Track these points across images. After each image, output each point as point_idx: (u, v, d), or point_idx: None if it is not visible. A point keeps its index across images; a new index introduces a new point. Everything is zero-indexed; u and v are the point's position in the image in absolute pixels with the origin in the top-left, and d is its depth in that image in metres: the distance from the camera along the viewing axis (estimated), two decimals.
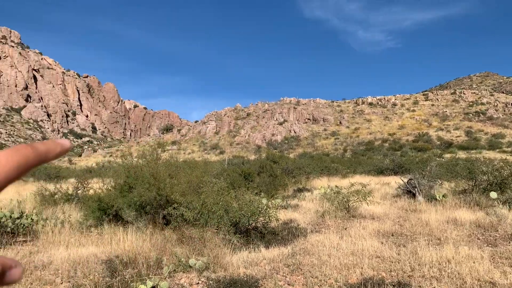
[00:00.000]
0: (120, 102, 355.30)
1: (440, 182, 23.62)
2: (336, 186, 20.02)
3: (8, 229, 12.66)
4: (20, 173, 0.61)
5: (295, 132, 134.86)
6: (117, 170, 19.53)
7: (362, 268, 9.27)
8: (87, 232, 13.29)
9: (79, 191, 19.15)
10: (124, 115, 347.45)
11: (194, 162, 30.05)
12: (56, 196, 18.61)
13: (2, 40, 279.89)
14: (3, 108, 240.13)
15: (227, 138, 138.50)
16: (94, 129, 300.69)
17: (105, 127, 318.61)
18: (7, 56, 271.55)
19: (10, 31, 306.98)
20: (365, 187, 18.08)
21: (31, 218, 13.64)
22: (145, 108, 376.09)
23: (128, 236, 11.50)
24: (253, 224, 13.02)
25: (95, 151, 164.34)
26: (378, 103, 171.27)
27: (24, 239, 12.20)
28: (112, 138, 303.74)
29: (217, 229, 12.32)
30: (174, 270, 9.12)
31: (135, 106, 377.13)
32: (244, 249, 11.65)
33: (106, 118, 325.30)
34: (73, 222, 14.31)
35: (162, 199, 14.27)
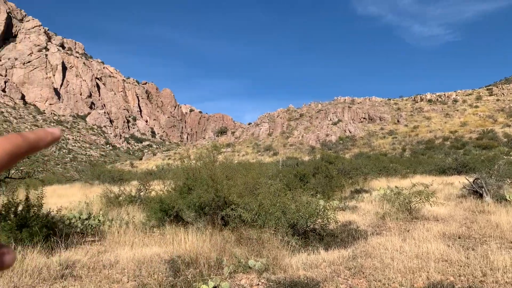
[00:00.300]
0: (176, 106, 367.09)
1: (510, 181, 22.09)
2: (396, 187, 19.31)
3: (78, 230, 13.43)
4: (11, 161, 0.61)
5: (350, 132, 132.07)
6: (176, 172, 20.16)
7: (428, 272, 8.85)
8: (150, 233, 13.78)
9: (141, 193, 19.93)
10: (180, 119, 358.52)
11: (249, 163, 30.32)
12: (120, 198, 19.48)
13: (68, 52, 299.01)
14: (70, 116, 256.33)
15: (280, 140, 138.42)
16: (153, 133, 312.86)
17: (163, 131, 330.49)
18: (72, 67, 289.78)
19: (75, 43, 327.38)
20: (427, 187, 17.28)
21: (98, 219, 14.37)
22: (200, 112, 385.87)
23: (189, 236, 11.77)
24: (311, 226, 12.86)
25: (154, 154, 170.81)
26: (437, 99, 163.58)
27: (93, 239, 12.88)
28: (170, 142, 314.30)
29: (275, 231, 12.30)
30: (234, 270, 9.21)
31: (191, 110, 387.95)
32: (303, 251, 11.52)
33: (164, 122, 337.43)
34: (137, 223, 14.90)
35: (220, 200, 14.49)
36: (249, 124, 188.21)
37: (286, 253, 10.96)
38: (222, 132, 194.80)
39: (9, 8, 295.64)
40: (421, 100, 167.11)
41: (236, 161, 29.50)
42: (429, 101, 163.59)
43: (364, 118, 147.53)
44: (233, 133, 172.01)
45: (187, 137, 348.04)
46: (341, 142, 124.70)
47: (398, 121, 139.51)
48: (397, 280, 8.36)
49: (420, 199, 16.51)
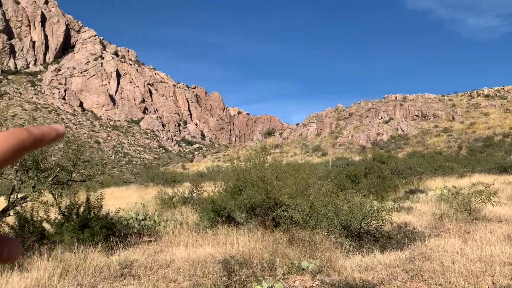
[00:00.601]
0: (225, 109, 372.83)
1: None
2: (454, 187, 18.40)
3: (135, 230, 13.94)
4: (16, 155, 0.63)
5: (402, 131, 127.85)
6: (226, 173, 20.43)
7: (493, 276, 8.34)
8: (203, 233, 14.03)
9: (194, 194, 20.38)
10: (229, 122, 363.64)
11: (298, 164, 30.11)
12: (174, 199, 20.02)
13: (122, 59, 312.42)
14: (125, 121, 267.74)
15: (329, 140, 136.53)
16: (203, 136, 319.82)
17: (213, 134, 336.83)
18: (126, 74, 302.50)
19: (128, 51, 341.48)
20: (488, 187, 16.32)
21: (154, 220, 14.84)
22: (248, 114, 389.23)
23: (241, 237, 11.86)
24: (365, 228, 12.53)
25: (204, 156, 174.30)
26: (496, 94, 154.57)
27: (149, 239, 13.31)
28: (219, 144, 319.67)
29: (327, 232, 12.12)
30: (288, 272, 9.15)
31: (239, 113, 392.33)
32: (357, 253, 11.26)
33: (213, 125, 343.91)
34: (190, 223, 15.23)
35: (271, 201, 14.49)
36: (296, 124, 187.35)
37: (340, 255, 10.76)
38: (269, 133, 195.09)
39: (67, 20, 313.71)
40: (478, 95, 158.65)
41: (284, 162, 29.44)
42: (487, 96, 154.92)
43: (416, 115, 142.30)
44: (281, 134, 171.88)
45: (235, 139, 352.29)
46: (393, 141, 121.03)
47: (453, 118, 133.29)
48: (459, 284, 7.95)
49: (481, 199, 15.62)
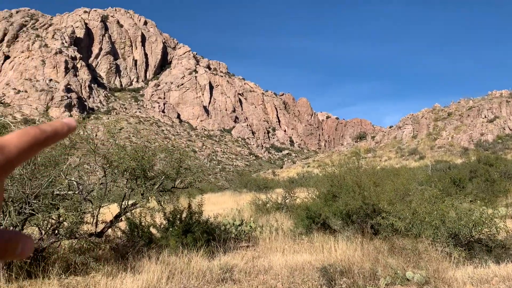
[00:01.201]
0: (313, 115, 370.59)
1: None
2: None
3: (233, 235, 14.31)
4: (31, 152, 0.65)
5: (510, 130, 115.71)
6: (318, 179, 20.14)
7: None
8: (299, 240, 13.95)
9: (287, 200, 20.42)
10: (317, 127, 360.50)
11: (395, 169, 28.69)
12: (268, 205, 20.24)
13: (214, 72, 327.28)
14: (218, 130, 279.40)
15: (427, 142, 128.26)
16: (291, 142, 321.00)
17: (301, 140, 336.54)
18: (218, 85, 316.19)
19: (219, 63, 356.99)
20: None
21: (250, 226, 15.11)
22: (337, 118, 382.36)
23: (339, 245, 11.56)
24: (476, 236, 11.45)
25: (294, 162, 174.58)
26: None
27: (246, 245, 13.57)
28: (308, 150, 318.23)
29: (432, 241, 11.29)
30: (391, 282, 8.68)
31: (327, 117, 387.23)
32: (468, 263, 10.33)
33: (301, 131, 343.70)
34: (285, 229, 15.24)
35: (368, 208, 13.93)
36: (390, 127, 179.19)
37: (448, 265, 9.95)
38: (361, 137, 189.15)
39: (164, 38, 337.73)
40: None
41: (378, 167, 28.18)
42: None
43: None
44: (373, 137, 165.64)
45: (324, 144, 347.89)
46: (499, 141, 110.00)
47: None
48: None
49: None
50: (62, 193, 9.23)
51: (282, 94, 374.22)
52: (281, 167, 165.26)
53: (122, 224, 12.51)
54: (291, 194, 20.77)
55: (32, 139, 0.65)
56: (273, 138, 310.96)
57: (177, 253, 10.64)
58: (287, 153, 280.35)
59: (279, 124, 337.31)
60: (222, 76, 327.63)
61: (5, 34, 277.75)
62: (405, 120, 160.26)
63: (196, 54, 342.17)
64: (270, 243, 13.08)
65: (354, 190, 14.27)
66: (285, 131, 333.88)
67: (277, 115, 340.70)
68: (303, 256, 11.39)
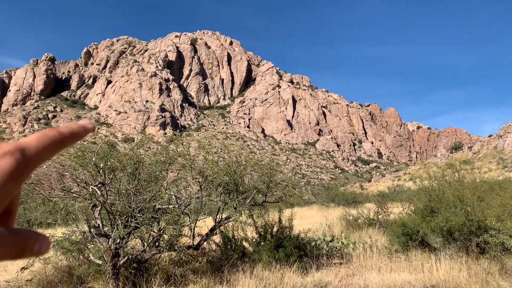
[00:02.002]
0: (402, 125, 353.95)
1: None
2: None
3: (324, 251, 14.00)
4: (49, 153, 0.68)
5: None
6: (411, 193, 19.01)
7: None
8: (395, 257, 13.22)
9: (379, 216, 19.56)
10: (407, 138, 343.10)
11: (499, 182, 26.14)
12: (359, 220, 19.55)
13: (296, 86, 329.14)
14: (301, 143, 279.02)
15: None
16: (379, 154, 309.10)
17: (390, 152, 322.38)
18: (301, 99, 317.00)
19: (302, 77, 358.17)
20: None
21: (342, 242, 14.69)
22: (428, 128, 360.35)
23: (441, 264, 10.73)
24: None
25: (383, 175, 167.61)
26: None
27: (339, 261, 13.18)
28: (398, 162, 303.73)
29: None
30: None
31: (418, 127, 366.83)
32: None
33: (390, 142, 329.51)
34: (380, 246, 14.56)
35: (473, 224, 12.79)
36: (489, 136, 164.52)
37: None
38: (456, 147, 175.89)
39: (248, 56, 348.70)
40: None
41: (477, 180, 25.86)
42: None
43: None
44: (470, 148, 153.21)
45: (415, 156, 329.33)
46: None
47: None
48: None
49: None
50: (163, 207, 9.80)
51: (368, 105, 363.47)
52: (369, 181, 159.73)
53: (216, 237, 12.91)
54: (384, 209, 19.86)
55: (51, 141, 0.68)
56: (360, 151, 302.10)
57: (270, 268, 10.67)
58: (375, 166, 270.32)
59: (366, 136, 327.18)
60: (305, 90, 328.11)
61: (107, 61, 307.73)
62: (506, 128, 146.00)
63: (279, 69, 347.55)
64: (364, 260, 12.56)
65: (456, 205, 13.22)
66: (372, 143, 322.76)
67: (363, 126, 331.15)
68: (401, 275, 10.76)
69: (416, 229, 13.85)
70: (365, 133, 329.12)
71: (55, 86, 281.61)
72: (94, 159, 8.96)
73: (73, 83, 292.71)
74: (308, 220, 28.00)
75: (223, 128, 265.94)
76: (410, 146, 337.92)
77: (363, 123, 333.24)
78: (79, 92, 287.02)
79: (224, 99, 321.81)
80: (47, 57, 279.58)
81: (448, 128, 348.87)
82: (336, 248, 14.09)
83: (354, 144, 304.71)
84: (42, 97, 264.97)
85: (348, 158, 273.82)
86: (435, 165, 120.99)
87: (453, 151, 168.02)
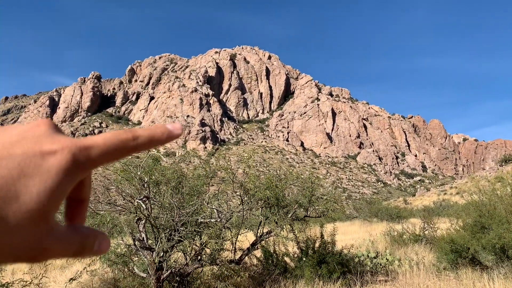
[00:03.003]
0: (447, 137, 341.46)
1: None
2: None
3: (368, 268, 13.60)
4: (116, 156, 0.64)
5: None
6: (458, 208, 18.19)
7: None
8: (444, 276, 12.63)
9: (426, 231, 18.82)
10: (453, 151, 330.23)
11: None
12: (404, 236, 18.90)
13: (336, 99, 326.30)
14: (342, 157, 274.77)
15: None
16: (424, 167, 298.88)
17: (435, 165, 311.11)
18: (340, 112, 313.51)
19: (341, 90, 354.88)
20: None
21: (386, 258, 14.23)
22: (475, 140, 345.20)
23: (495, 284, 10.15)
24: None
25: (428, 189, 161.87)
26: None
27: (384, 279, 12.74)
28: (443, 175, 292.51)
29: None
30: None
31: (464, 140, 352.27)
32: None
33: (434, 155, 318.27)
34: (426, 264, 13.99)
35: None
36: None
37: None
38: (506, 160, 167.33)
39: (287, 70, 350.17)
40: None
41: None
42: None
43: None
44: None
45: (462, 169, 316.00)
46: None
47: None
48: None
49: None
50: (205, 220, 9.90)
51: (411, 117, 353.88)
52: (414, 195, 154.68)
53: (257, 252, 12.85)
54: (431, 225, 19.09)
55: (121, 144, 0.64)
56: (403, 164, 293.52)
57: (312, 284, 10.47)
58: (419, 180, 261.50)
59: (409, 148, 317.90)
60: (344, 102, 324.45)
61: (150, 78, 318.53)
62: None
63: (318, 82, 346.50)
64: (410, 278, 12.08)
65: (509, 220, 12.51)
66: (416, 156, 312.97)
67: (406, 139, 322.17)
68: None
69: (466, 246, 13.21)
70: (408, 145, 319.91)
71: (101, 102, 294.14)
72: (139, 173, 9.21)
73: (118, 100, 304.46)
74: (351, 236, 27.38)
75: (262, 141, 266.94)
76: (456, 159, 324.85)
77: (406, 136, 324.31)
78: (123, 108, 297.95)
79: (263, 113, 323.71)
80: (93, 75, 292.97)
81: (496, 140, 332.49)
82: (380, 264, 13.66)
83: (397, 157, 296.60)
84: (89, 113, 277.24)
85: (390, 172, 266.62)
86: (483, 178, 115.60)
87: (503, 163, 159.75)
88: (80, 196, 0.69)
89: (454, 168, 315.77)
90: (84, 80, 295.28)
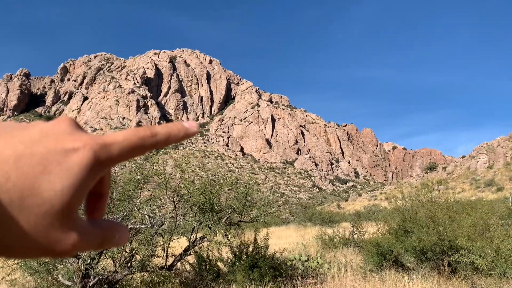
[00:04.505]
0: (378, 145, 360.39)
1: None
2: None
3: (299, 271, 13.96)
4: (134, 153, 0.66)
5: None
6: (386, 213, 19.23)
7: None
8: (370, 277, 13.29)
9: (355, 235, 19.69)
10: (383, 158, 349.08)
11: (471, 202, 26.78)
12: (335, 240, 19.63)
13: (275, 105, 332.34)
14: (280, 162, 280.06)
15: (505, 172, 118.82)
16: (356, 174, 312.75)
17: (367, 171, 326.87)
18: (280, 118, 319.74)
19: (281, 97, 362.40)
20: None
21: (317, 261, 14.69)
22: (404, 149, 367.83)
23: (414, 284, 10.85)
24: None
25: (359, 195, 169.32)
26: None
27: (314, 281, 13.14)
28: (374, 182, 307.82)
29: None
30: None
31: (394, 148, 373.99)
32: None
33: (366, 162, 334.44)
34: (354, 266, 14.63)
35: (444, 244, 13.03)
36: (462, 157, 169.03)
37: None
38: (431, 168, 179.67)
39: (228, 75, 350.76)
40: None
41: (452, 200, 26.42)
42: None
43: None
44: (444, 168, 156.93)
45: (391, 175, 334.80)
46: None
47: None
48: None
49: None
50: (135, 226, 9.64)
51: (345, 125, 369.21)
52: (346, 200, 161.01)
53: (191, 258, 12.72)
54: (359, 229, 20.02)
55: (140, 141, 0.66)
56: (337, 170, 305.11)
57: None
58: (352, 185, 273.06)
59: (343, 155, 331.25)
60: (284, 109, 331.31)
61: (84, 77, 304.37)
62: (478, 149, 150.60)
63: (258, 88, 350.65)
64: (339, 280, 12.58)
65: (428, 224, 13.46)
66: (349, 162, 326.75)
67: (340, 146, 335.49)
68: None
69: (390, 248, 14.01)
70: (342, 152, 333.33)
71: (30, 101, 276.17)
72: None
73: (48, 99, 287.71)
74: (285, 240, 27.92)
75: (201, 146, 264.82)
76: (386, 166, 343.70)
77: (340, 143, 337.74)
78: (54, 108, 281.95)
79: (203, 117, 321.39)
80: (21, 72, 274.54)
81: (423, 149, 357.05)
82: (311, 268, 14.08)
83: (332, 164, 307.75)
84: (15, 112, 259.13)
85: (325, 177, 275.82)
86: (410, 185, 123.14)
87: (428, 171, 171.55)
88: (100, 190, 0.70)
89: (384, 174, 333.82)
90: (11, 77, 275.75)
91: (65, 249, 0.57)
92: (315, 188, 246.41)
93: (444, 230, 13.01)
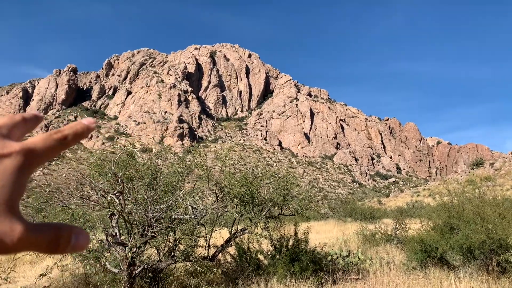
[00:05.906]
0: (422, 140, 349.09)
1: None
2: None
3: (340, 266, 13.82)
4: (54, 154, 0.76)
5: None
6: (430, 210, 18.65)
7: None
8: (413, 274, 12.96)
9: (397, 232, 19.23)
10: (427, 153, 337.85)
11: None
12: (376, 236, 19.26)
13: (314, 99, 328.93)
14: (319, 157, 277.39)
15: None
16: (398, 169, 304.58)
17: (409, 167, 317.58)
18: (319, 112, 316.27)
19: (320, 90, 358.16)
20: None
21: (358, 257, 14.48)
22: (449, 144, 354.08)
23: (461, 283, 10.48)
24: None
25: (401, 191, 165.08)
26: None
27: (355, 277, 12.97)
28: (417, 177, 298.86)
29: None
30: None
31: (438, 143, 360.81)
32: None
33: (409, 157, 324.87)
34: (397, 263, 14.31)
35: (494, 242, 12.47)
36: (511, 153, 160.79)
37: None
38: (477, 164, 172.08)
39: (266, 69, 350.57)
40: None
41: (499, 197, 25.23)
42: None
43: None
44: (492, 164, 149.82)
45: (435, 171, 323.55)
46: None
47: None
48: None
49: None
50: (179, 217, 9.87)
51: (387, 119, 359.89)
52: (388, 196, 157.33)
53: (231, 249, 12.88)
54: (402, 225, 19.52)
55: (56, 142, 0.76)
56: (378, 165, 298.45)
57: (284, 282, 10.58)
58: (393, 181, 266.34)
59: (384, 150, 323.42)
60: (323, 103, 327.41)
61: (128, 72, 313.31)
62: None
63: (297, 82, 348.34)
64: (381, 276, 12.34)
65: (476, 222, 12.93)
66: (391, 157, 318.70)
67: (382, 141, 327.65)
68: None
69: (435, 246, 13.59)
70: (384, 147, 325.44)
71: (77, 96, 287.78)
72: (113, 168, 9.10)
73: (94, 94, 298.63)
74: (325, 235, 27.71)
75: (240, 140, 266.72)
76: (429, 162, 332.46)
77: (382, 137, 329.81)
78: (99, 103, 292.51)
79: (241, 111, 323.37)
80: (69, 67, 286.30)
81: (469, 144, 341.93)
82: (352, 263, 13.90)
83: (373, 159, 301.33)
84: (63, 106, 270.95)
85: (366, 173, 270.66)
86: (455, 181, 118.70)
87: (474, 167, 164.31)
88: None
89: (428, 170, 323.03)
90: (60, 73, 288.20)
91: (11, 241, 0.61)
92: (355, 183, 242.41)
93: (494, 228, 12.45)
